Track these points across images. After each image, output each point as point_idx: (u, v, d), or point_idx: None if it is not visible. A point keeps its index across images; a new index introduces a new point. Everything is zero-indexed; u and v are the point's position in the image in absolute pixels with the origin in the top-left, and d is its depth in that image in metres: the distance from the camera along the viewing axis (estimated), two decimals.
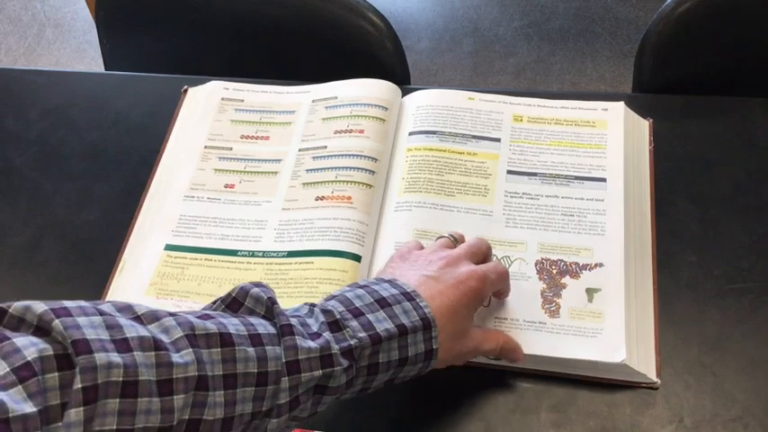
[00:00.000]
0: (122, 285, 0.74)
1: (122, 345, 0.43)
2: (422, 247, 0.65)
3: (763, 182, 0.77)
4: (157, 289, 0.72)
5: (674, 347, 0.66)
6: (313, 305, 0.55)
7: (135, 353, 0.43)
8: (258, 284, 0.53)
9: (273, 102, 0.86)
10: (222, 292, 0.71)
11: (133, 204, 0.80)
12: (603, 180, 0.75)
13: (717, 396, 0.64)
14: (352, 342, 0.52)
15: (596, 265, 0.70)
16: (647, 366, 0.65)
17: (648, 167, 0.78)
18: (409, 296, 0.56)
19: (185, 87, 0.89)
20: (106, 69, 1.12)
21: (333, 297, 0.56)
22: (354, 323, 0.53)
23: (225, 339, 0.48)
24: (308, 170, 0.79)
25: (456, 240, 0.66)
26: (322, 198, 0.76)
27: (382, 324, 0.54)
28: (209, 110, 0.86)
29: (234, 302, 0.53)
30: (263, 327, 0.50)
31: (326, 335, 0.52)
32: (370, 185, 0.76)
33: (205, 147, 0.83)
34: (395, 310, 0.55)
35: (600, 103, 0.81)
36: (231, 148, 0.82)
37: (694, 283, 0.70)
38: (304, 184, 0.78)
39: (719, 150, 0.80)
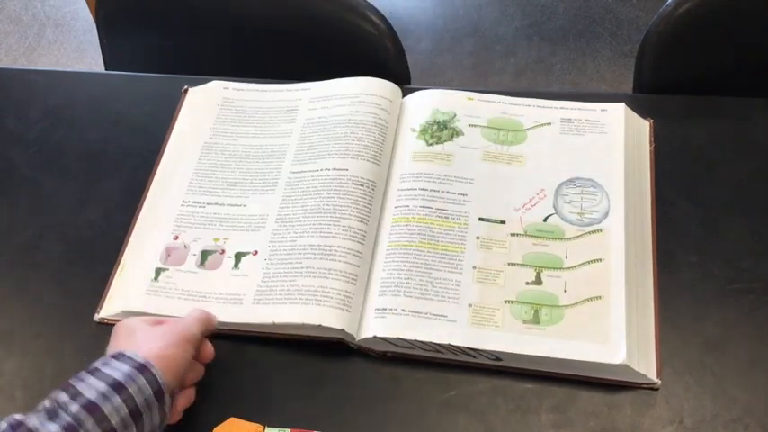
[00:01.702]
0: (122, 285, 0.74)
1: None
2: None
3: (763, 182, 0.77)
4: (158, 289, 0.72)
5: (674, 348, 0.66)
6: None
7: None
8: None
9: (273, 101, 0.86)
10: (221, 293, 0.71)
11: (133, 204, 0.80)
12: (604, 180, 0.75)
13: (717, 396, 0.64)
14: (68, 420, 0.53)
15: (596, 264, 0.69)
16: (647, 367, 0.65)
17: (648, 167, 0.78)
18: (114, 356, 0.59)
19: (185, 87, 0.89)
20: (106, 69, 1.12)
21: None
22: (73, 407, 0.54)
23: None
24: (308, 170, 0.79)
25: None
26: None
27: (91, 391, 0.55)
28: (209, 110, 0.86)
29: None
30: None
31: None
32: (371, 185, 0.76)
33: (205, 146, 0.83)
34: (104, 370, 0.57)
35: (600, 103, 0.81)
36: (231, 148, 0.82)
37: (694, 284, 0.70)
38: (303, 182, 0.78)
39: (719, 150, 0.79)
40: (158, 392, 0.57)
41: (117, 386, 0.55)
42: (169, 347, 0.60)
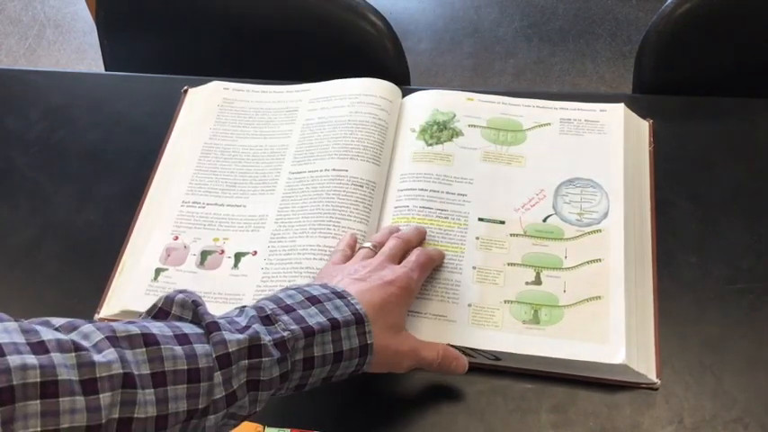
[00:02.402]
0: (122, 285, 0.74)
1: (39, 347, 0.43)
2: (344, 261, 0.67)
3: (763, 182, 0.77)
4: (157, 289, 0.72)
5: (674, 348, 0.66)
6: (243, 306, 0.57)
7: (52, 354, 0.43)
8: (183, 291, 0.54)
9: (273, 101, 0.86)
10: (220, 293, 0.71)
11: (133, 204, 0.80)
12: (603, 180, 0.75)
13: (717, 397, 0.64)
14: (284, 334, 0.53)
15: (596, 264, 0.70)
16: (647, 367, 0.65)
17: (648, 168, 0.78)
18: (340, 294, 0.59)
19: (185, 87, 0.89)
20: (106, 69, 1.12)
21: (264, 298, 0.57)
22: (286, 317, 0.55)
23: (149, 339, 0.48)
24: (307, 171, 0.79)
25: (375, 249, 0.68)
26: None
27: (314, 318, 0.56)
28: (209, 110, 0.86)
29: (160, 312, 0.54)
30: (189, 327, 0.51)
31: (257, 326, 0.53)
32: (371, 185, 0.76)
33: (205, 147, 0.83)
34: (326, 306, 0.57)
35: (599, 104, 0.81)
36: (231, 149, 0.82)
37: (694, 284, 0.70)
38: (303, 183, 0.78)
39: (719, 150, 0.80)
40: (364, 348, 0.58)
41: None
42: (387, 305, 0.61)
